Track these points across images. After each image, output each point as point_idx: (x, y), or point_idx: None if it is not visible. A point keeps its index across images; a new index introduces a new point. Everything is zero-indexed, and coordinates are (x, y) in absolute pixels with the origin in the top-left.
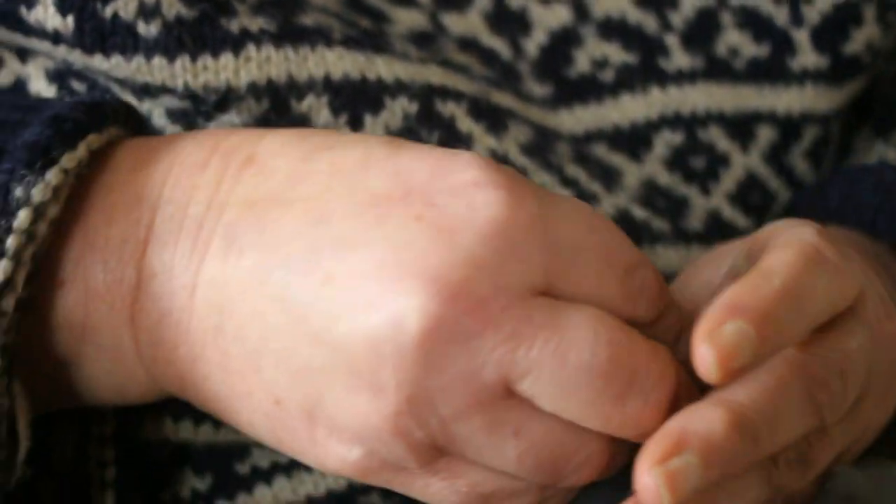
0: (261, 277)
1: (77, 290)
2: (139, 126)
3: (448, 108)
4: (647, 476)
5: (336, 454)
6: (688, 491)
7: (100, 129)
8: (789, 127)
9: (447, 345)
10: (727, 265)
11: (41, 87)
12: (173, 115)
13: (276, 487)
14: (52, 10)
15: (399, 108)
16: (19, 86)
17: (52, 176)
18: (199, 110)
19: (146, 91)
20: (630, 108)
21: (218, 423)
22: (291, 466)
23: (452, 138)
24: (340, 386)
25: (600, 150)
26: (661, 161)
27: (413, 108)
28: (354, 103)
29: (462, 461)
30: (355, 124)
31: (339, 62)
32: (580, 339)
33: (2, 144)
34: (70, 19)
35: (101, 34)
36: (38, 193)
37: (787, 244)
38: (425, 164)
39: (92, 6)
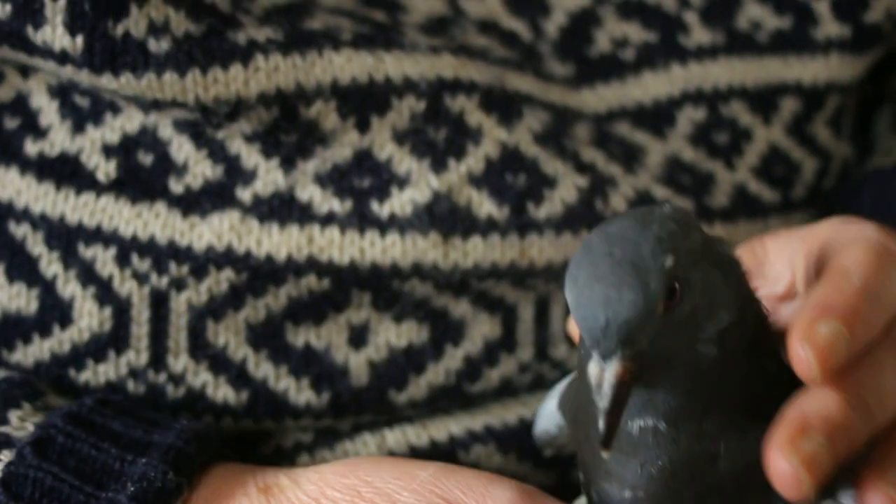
0: None
1: None
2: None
3: (458, 103)
4: (781, 461)
5: None
6: (822, 474)
7: None
8: (814, 97)
9: None
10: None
11: (43, 102)
12: (180, 125)
13: (299, 465)
14: (60, 29)
15: (406, 108)
16: (20, 101)
17: None
18: (209, 121)
19: (154, 104)
20: (652, 86)
21: (237, 417)
22: (314, 446)
23: (461, 133)
24: None
25: (623, 129)
26: (684, 137)
27: (420, 106)
28: (362, 106)
29: None
30: (362, 126)
31: (346, 65)
32: None
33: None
34: (80, 39)
35: (111, 53)
36: None
37: (856, 242)
38: None
39: (103, 25)
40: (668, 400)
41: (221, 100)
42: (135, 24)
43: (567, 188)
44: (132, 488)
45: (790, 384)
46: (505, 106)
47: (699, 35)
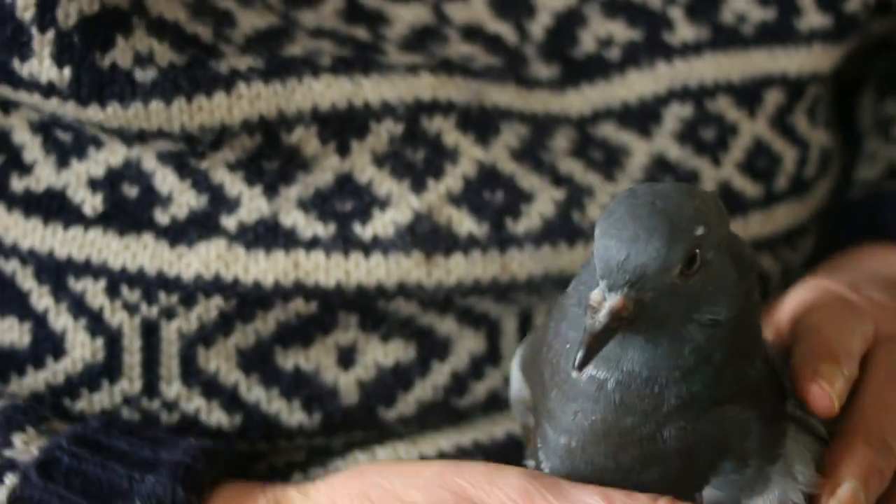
0: None
1: None
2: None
3: (435, 124)
4: None
5: None
6: None
7: None
8: (796, 88)
9: None
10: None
11: (26, 138)
12: (163, 157)
13: (292, 483)
14: (48, 62)
15: (384, 131)
16: (3, 137)
17: None
18: (193, 151)
19: (138, 136)
20: (637, 84)
21: (231, 440)
22: (307, 464)
23: (438, 154)
24: None
25: (608, 130)
26: (671, 135)
27: (398, 129)
28: (341, 131)
29: None
30: (342, 151)
31: (326, 91)
32: None
33: None
34: (67, 71)
35: (98, 84)
36: None
37: (816, 308)
38: None
39: (91, 57)
40: (632, 364)
41: (206, 127)
42: (121, 54)
43: (544, 202)
44: None
45: (766, 395)
46: (482, 124)
47: (684, 31)
